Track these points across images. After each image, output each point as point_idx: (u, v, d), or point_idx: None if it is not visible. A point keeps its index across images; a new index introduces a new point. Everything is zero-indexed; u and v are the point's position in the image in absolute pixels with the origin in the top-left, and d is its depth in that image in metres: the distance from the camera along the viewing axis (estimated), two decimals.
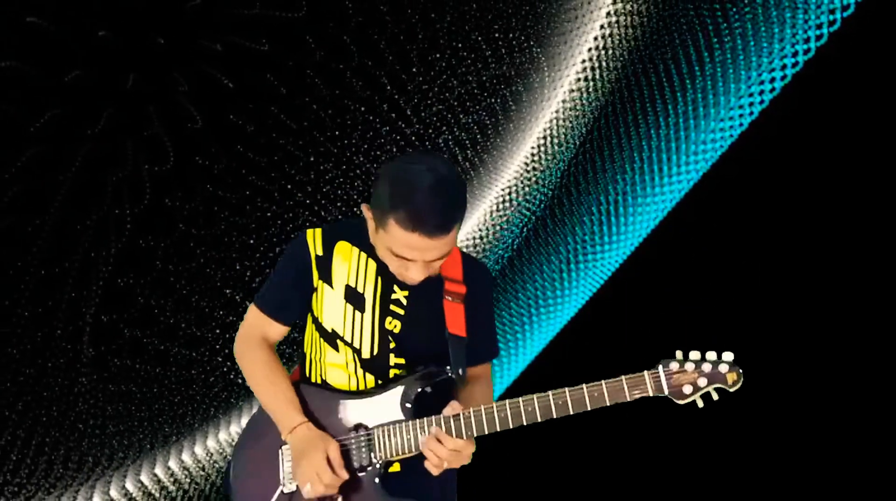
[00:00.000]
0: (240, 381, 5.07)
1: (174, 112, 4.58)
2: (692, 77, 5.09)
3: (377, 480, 2.36)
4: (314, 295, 2.47)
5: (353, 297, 2.43)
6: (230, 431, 5.29)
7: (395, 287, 2.44)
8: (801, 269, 4.91)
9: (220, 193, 4.80)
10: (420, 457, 2.35)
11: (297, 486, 2.39)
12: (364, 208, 2.33)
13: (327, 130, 4.97)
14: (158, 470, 5.06)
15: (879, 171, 4.68)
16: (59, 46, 4.26)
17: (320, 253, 2.46)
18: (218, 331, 4.97)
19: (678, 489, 4.96)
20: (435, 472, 2.30)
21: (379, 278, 2.44)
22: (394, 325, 2.44)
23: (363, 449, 2.37)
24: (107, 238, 4.59)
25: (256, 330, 2.54)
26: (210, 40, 4.55)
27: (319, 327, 2.47)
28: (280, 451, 2.46)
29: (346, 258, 2.45)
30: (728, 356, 2.22)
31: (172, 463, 5.12)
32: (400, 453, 2.35)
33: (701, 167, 5.26)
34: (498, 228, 5.83)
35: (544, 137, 5.63)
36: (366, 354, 2.43)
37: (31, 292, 4.45)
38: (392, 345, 2.44)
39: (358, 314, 2.43)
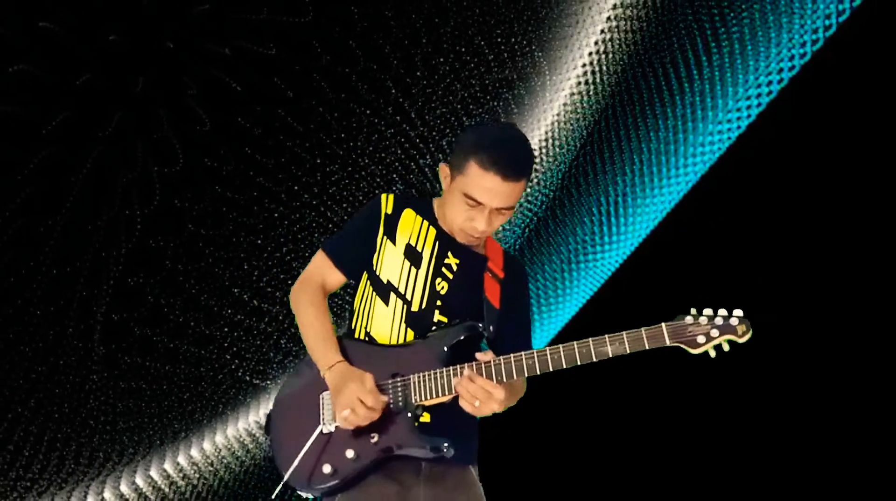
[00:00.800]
0: (247, 378, 5.11)
1: (183, 115, 4.59)
2: (690, 81, 5.11)
3: (412, 422, 2.47)
4: (377, 251, 2.66)
5: (412, 254, 2.64)
6: (238, 427, 5.30)
7: (450, 253, 2.65)
8: (800, 269, 4.90)
9: (228, 194, 4.81)
10: (451, 406, 2.47)
11: (336, 424, 2.47)
12: (441, 165, 2.59)
13: (333, 132, 4.98)
14: (167, 466, 5.08)
15: (878, 172, 4.68)
16: (71, 50, 4.27)
17: (389, 212, 2.67)
18: (226, 330, 4.99)
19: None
20: (468, 408, 2.43)
21: (437, 243, 2.65)
22: (441, 286, 2.62)
23: (399, 393, 2.50)
24: (117, 238, 4.60)
25: (317, 276, 2.71)
26: (218, 45, 4.56)
27: (375, 279, 2.65)
28: (321, 396, 2.57)
29: (410, 222, 2.67)
30: (738, 312, 2.38)
31: (181, 459, 5.13)
32: (434, 395, 2.48)
33: (699, 169, 5.27)
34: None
35: (546, 139, 5.62)
36: (415, 307, 2.60)
37: (43, 292, 4.47)
38: (438, 303, 2.60)
39: (414, 269, 2.63)
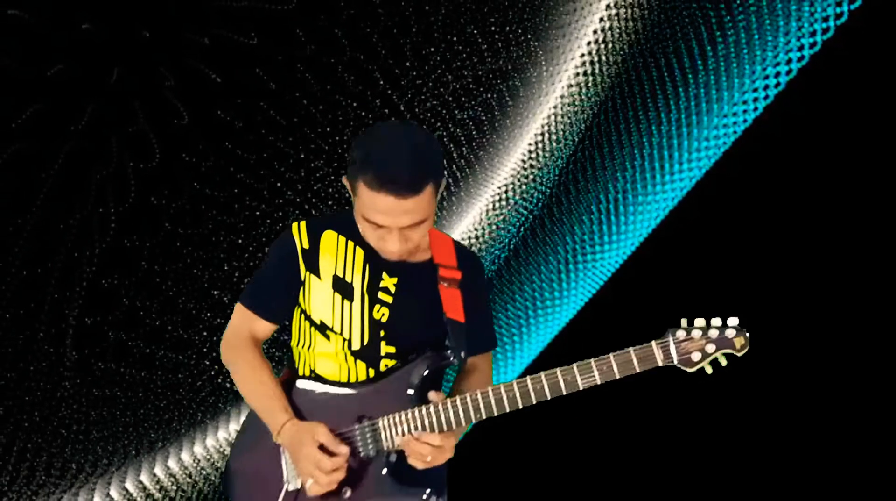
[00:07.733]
0: (228, 385, 5.05)
1: (160, 108, 4.55)
2: (694, 72, 5.07)
3: (385, 470, 2.36)
4: (302, 288, 2.47)
5: (341, 286, 2.43)
6: (218, 436, 5.25)
7: (384, 274, 2.44)
8: (807, 269, 4.88)
9: (208, 191, 4.77)
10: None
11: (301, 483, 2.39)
12: (344, 179, 2.34)
13: (318, 126, 4.94)
14: (144, 477, 5.02)
15: (888, 167, 4.65)
16: (42, 40, 4.22)
17: (307, 246, 2.45)
18: (205, 334, 4.94)
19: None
20: (420, 466, 2.33)
21: (367, 266, 2.43)
22: (381, 313, 2.43)
23: (369, 440, 2.37)
24: (91, 238, 4.56)
25: (243, 330, 2.54)
26: (197, 34, 4.52)
27: (308, 318, 2.47)
28: (281, 448, 2.45)
29: (333, 248, 2.45)
30: (733, 320, 2.25)
31: (158, 470, 5.07)
32: None
33: (704, 165, 5.24)
34: (494, 227, 5.81)
35: (542, 134, 5.60)
36: (356, 344, 2.42)
37: (12, 294, 4.40)
38: (382, 333, 2.43)
39: (346, 303, 2.43)
